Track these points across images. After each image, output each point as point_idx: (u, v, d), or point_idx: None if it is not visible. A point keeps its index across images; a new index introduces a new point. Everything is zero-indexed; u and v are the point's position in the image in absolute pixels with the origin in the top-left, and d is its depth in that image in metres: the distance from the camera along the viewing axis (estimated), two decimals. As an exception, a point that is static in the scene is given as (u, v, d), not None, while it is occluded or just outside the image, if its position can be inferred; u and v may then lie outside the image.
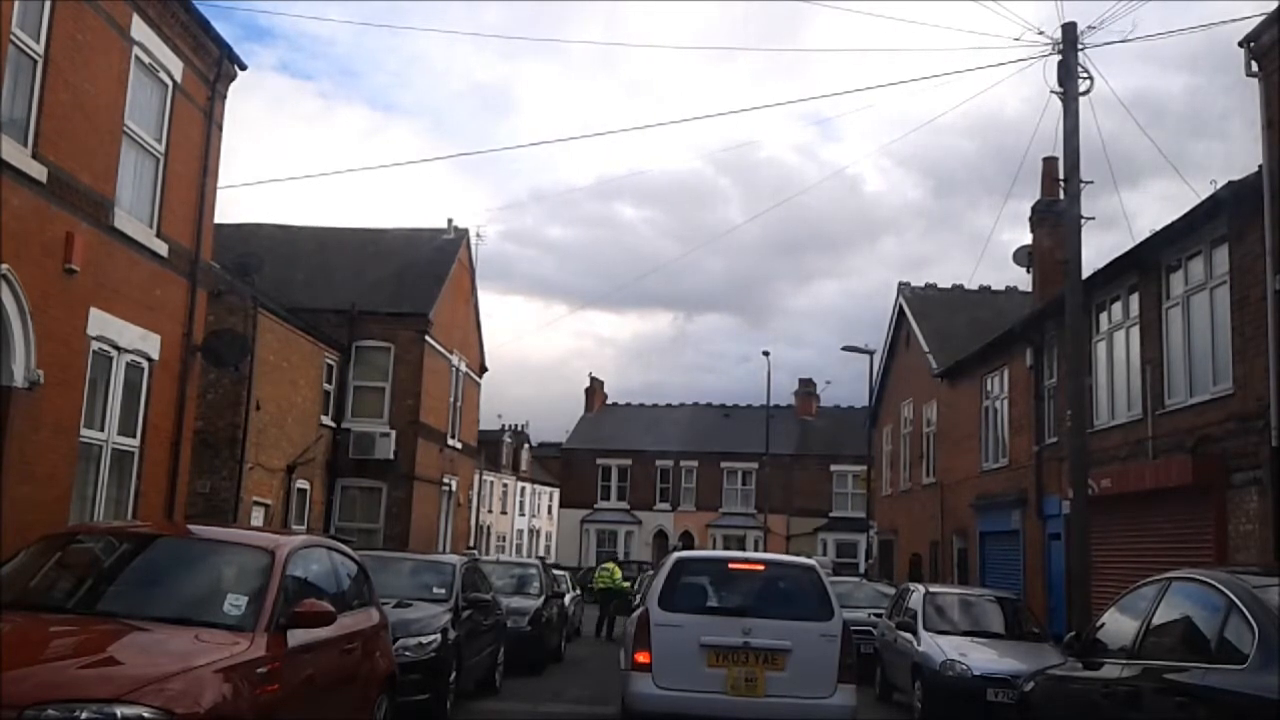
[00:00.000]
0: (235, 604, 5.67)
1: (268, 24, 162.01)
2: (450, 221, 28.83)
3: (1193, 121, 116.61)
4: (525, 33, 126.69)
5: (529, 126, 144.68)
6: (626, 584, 25.10)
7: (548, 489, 64.33)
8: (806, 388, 56.37)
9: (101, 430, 11.13)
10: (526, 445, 62.30)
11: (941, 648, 11.77)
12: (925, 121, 79.56)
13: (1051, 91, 13.23)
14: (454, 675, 10.16)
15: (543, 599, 16.40)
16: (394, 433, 23.90)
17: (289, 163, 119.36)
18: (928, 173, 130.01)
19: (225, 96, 13.63)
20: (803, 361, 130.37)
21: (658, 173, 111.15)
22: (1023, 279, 24.14)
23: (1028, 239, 21.82)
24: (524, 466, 61.49)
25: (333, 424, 23.38)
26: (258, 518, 19.21)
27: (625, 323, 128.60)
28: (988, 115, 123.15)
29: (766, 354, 44.10)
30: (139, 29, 11.29)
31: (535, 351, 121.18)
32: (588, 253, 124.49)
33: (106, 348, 11.04)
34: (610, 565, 26.14)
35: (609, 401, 60.20)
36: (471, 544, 42.31)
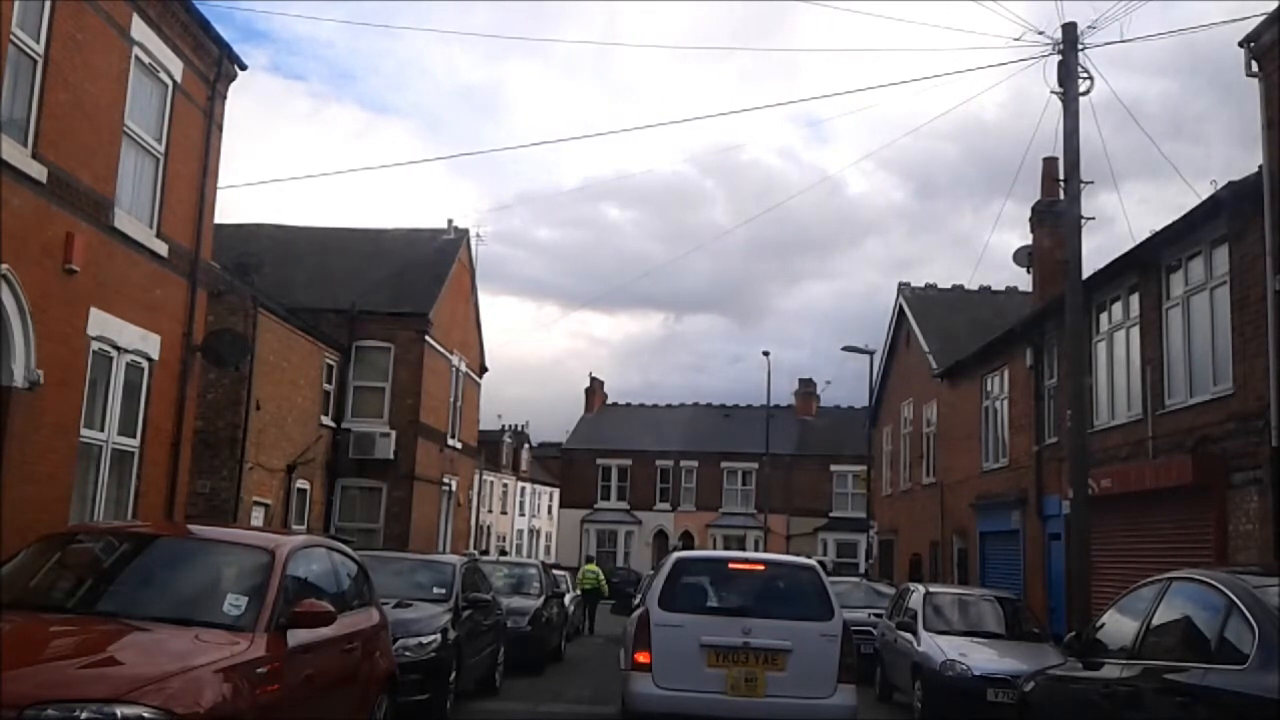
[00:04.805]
0: (235, 604, 5.67)
1: (265, 27, 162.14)
2: (450, 222, 28.87)
3: (1168, 125, 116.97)
4: (514, 34, 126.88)
5: (521, 128, 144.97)
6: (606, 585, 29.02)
7: (548, 489, 64.33)
8: (806, 388, 56.37)
9: (101, 430, 11.12)
10: (526, 445, 62.29)
11: (941, 648, 11.76)
12: (923, 123, 79.58)
13: (1051, 92, 13.25)
14: (454, 675, 10.16)
15: (543, 599, 16.41)
16: (394, 433, 23.90)
17: (281, 163, 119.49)
18: (909, 175, 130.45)
19: (225, 96, 13.62)
20: (797, 362, 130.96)
21: (644, 174, 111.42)
22: (1023, 279, 24.17)
23: (1017, 240, 21.91)
24: (524, 466, 61.48)
25: (333, 424, 23.38)
26: (258, 518, 19.21)
27: (617, 324, 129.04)
28: (970, 118, 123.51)
29: (766, 354, 44.06)
30: (139, 29, 11.28)
31: (531, 352, 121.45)
32: (576, 253, 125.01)
33: (106, 348, 11.03)
34: (594, 567, 29.34)
35: (609, 402, 60.21)
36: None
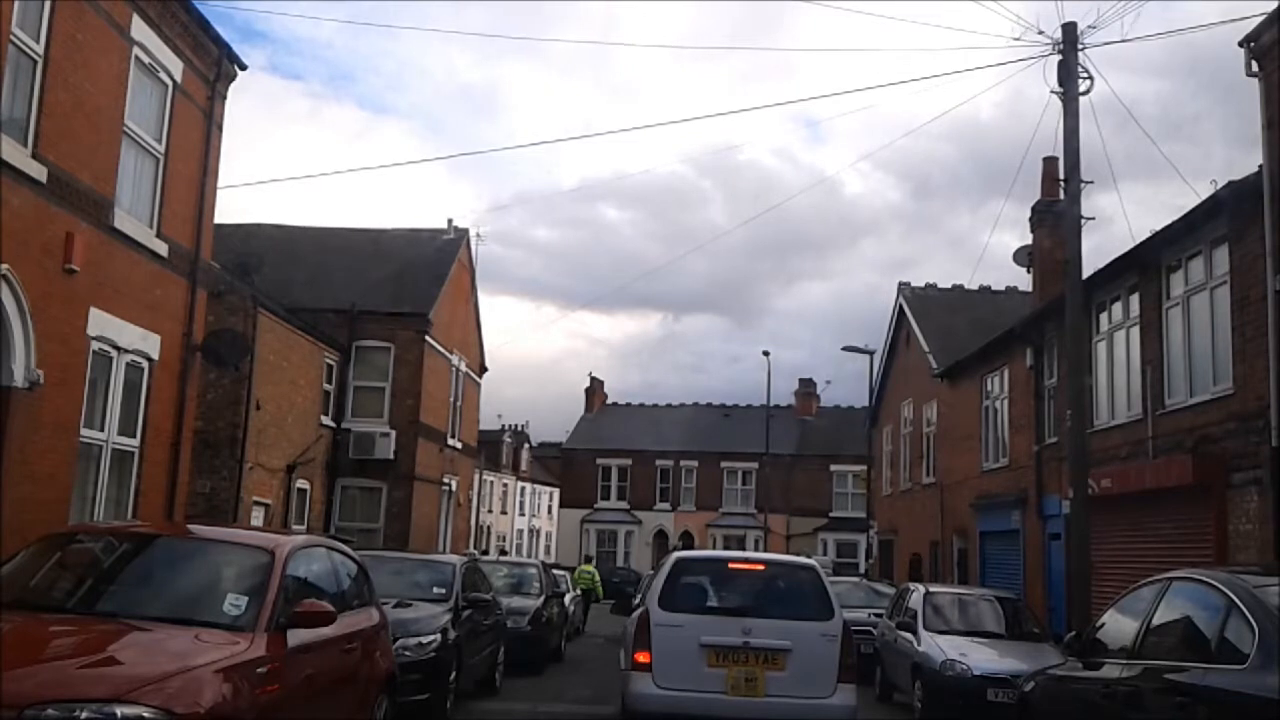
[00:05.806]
0: (235, 604, 5.67)
1: (265, 27, 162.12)
2: (450, 221, 28.85)
3: (1167, 125, 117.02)
4: (512, 33, 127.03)
5: (519, 128, 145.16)
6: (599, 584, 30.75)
7: (548, 489, 64.32)
8: (806, 388, 56.39)
9: (101, 430, 11.12)
10: (526, 445, 62.27)
11: (941, 648, 11.77)
12: (921, 124, 79.59)
13: (1051, 91, 13.25)
14: (454, 675, 10.17)
15: (543, 599, 16.41)
16: (394, 433, 23.89)
17: (281, 163, 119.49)
18: (907, 176, 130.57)
19: (225, 96, 13.62)
20: (797, 362, 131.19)
21: (642, 174, 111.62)
22: (1023, 279, 24.17)
23: (1016, 240, 21.95)
24: (524, 466, 61.45)
25: (333, 424, 23.36)
26: (258, 518, 19.20)
27: (616, 324, 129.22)
28: (968, 119, 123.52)
29: (767, 354, 44.08)
30: (139, 29, 11.28)
31: (530, 352, 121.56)
32: (574, 254, 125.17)
33: (106, 348, 11.03)
34: (590, 568, 29.69)
35: (608, 401, 60.22)
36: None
